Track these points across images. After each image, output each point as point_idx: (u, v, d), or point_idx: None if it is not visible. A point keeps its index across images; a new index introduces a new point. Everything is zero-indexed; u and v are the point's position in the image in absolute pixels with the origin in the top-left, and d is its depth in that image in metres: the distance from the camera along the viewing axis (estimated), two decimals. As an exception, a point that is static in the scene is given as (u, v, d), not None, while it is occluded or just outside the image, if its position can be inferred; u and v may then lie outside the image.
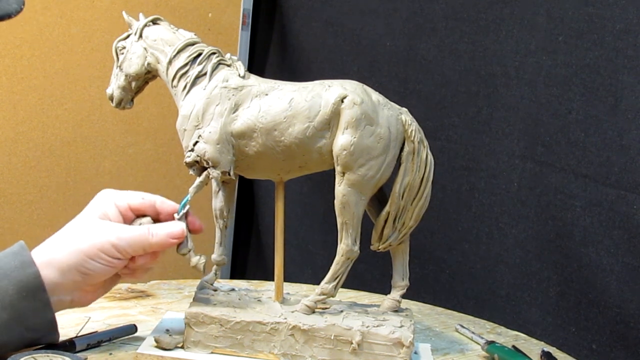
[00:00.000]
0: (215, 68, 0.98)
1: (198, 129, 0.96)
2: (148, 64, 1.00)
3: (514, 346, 1.11)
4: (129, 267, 0.96)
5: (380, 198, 1.01)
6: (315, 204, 1.89)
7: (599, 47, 1.35)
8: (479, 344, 1.12)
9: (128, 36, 1.01)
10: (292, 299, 1.03)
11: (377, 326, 0.97)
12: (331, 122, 0.95)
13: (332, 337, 0.96)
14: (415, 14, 1.67)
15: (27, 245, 0.91)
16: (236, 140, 0.96)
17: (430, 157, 1.00)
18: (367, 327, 0.96)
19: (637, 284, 1.30)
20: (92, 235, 0.92)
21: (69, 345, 0.95)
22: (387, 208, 0.99)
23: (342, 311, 1.01)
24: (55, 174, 1.78)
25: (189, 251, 0.98)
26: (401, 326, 0.98)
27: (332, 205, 0.98)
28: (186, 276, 1.25)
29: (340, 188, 0.96)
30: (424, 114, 1.49)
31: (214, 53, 0.98)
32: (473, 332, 1.16)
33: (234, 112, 0.96)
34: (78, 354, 0.94)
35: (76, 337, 0.98)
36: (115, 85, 1.02)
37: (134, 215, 0.98)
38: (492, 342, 1.10)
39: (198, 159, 0.96)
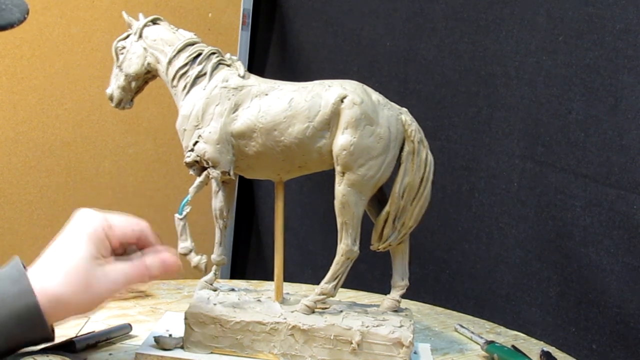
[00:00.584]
0: (215, 68, 0.98)
1: (198, 129, 0.96)
2: (148, 64, 1.00)
3: (513, 346, 1.11)
4: None
5: (380, 198, 1.01)
6: (315, 204, 1.88)
7: (599, 47, 1.35)
8: (478, 343, 1.12)
9: (128, 36, 1.01)
10: (292, 299, 1.03)
11: (377, 326, 0.97)
12: (331, 122, 0.95)
13: (332, 337, 0.96)
14: (415, 14, 1.67)
15: (24, 252, 0.86)
16: (236, 140, 0.96)
17: (430, 157, 1.00)
18: (367, 327, 0.96)
19: (637, 284, 1.30)
20: (90, 292, 0.85)
21: (69, 346, 0.95)
22: (387, 208, 0.99)
23: (341, 311, 1.01)
24: (55, 174, 1.78)
25: (190, 251, 0.98)
26: (401, 326, 0.98)
27: (331, 205, 0.98)
28: (185, 276, 1.25)
29: (340, 188, 0.96)
30: (424, 114, 1.49)
31: (213, 53, 0.98)
32: (472, 332, 1.16)
33: (233, 112, 0.96)
34: (77, 355, 0.94)
35: (75, 337, 0.98)
36: (115, 85, 1.02)
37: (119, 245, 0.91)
38: (492, 342, 1.10)
39: (198, 159, 0.96)
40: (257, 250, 2.13)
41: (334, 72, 1.78)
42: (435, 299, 1.44)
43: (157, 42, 0.99)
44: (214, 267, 1.04)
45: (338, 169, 0.95)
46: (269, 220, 2.03)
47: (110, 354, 0.98)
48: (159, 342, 0.96)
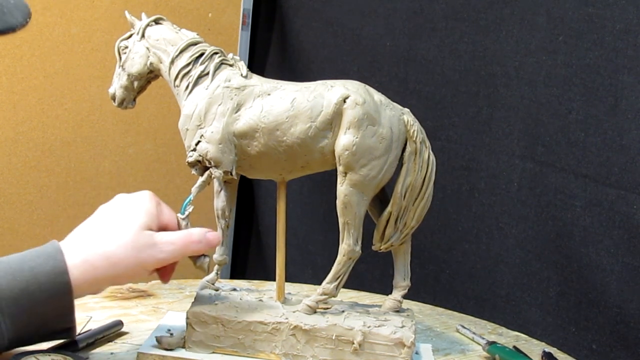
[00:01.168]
0: (217, 68, 0.98)
1: (200, 128, 0.96)
2: (150, 63, 0.99)
3: (514, 347, 1.11)
4: None
5: (382, 198, 1.01)
6: (316, 204, 1.88)
7: (599, 47, 1.36)
8: (480, 344, 1.12)
9: (130, 36, 1.01)
10: (294, 299, 1.04)
11: (379, 326, 0.97)
12: (333, 122, 0.95)
13: (334, 337, 0.96)
14: (415, 14, 1.67)
15: (56, 239, 0.89)
16: (238, 140, 0.96)
17: (432, 157, 1.00)
18: (369, 327, 0.96)
19: (637, 284, 1.31)
20: (137, 250, 0.89)
21: (71, 345, 0.95)
22: (389, 208, 0.99)
23: (343, 311, 1.01)
24: (55, 174, 1.78)
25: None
26: (402, 326, 0.98)
27: (333, 205, 0.98)
28: (187, 276, 1.25)
29: (342, 188, 0.96)
30: (424, 114, 1.49)
31: (216, 53, 0.98)
32: (474, 333, 1.16)
33: (236, 112, 0.96)
34: (79, 354, 0.94)
35: (78, 335, 0.98)
36: (117, 85, 1.01)
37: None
38: (493, 342, 1.10)
39: (200, 158, 0.96)
40: (258, 250, 2.13)
41: (334, 72, 1.78)
42: (436, 299, 1.44)
43: (159, 42, 0.99)
44: (215, 267, 1.04)
45: (340, 169, 0.96)
46: (269, 220, 2.03)
47: (111, 353, 0.98)
48: (161, 342, 0.96)
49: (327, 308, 1.02)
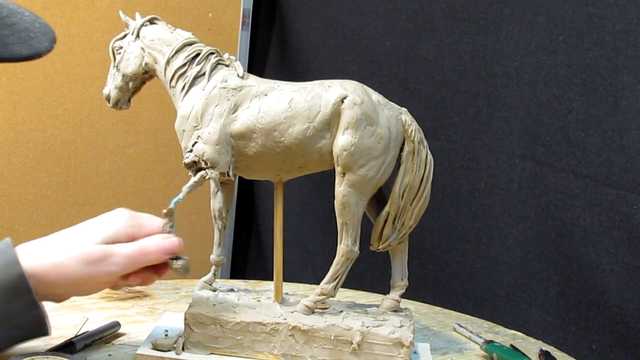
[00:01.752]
0: (213, 68, 0.97)
1: (197, 129, 0.96)
2: (145, 64, 0.99)
3: (512, 345, 1.11)
4: (115, 283, 0.95)
5: (379, 198, 1.01)
6: (315, 204, 1.88)
7: (599, 47, 1.35)
8: (477, 343, 1.12)
9: (125, 36, 1.01)
10: (292, 299, 1.03)
11: (377, 326, 0.97)
12: (331, 123, 0.95)
13: (332, 338, 0.96)
14: (415, 14, 1.67)
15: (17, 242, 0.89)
16: (235, 141, 0.96)
17: (430, 157, 1.00)
18: (367, 327, 0.96)
19: (637, 284, 1.30)
20: (85, 264, 0.89)
21: (69, 347, 0.95)
22: (386, 208, 0.99)
23: (341, 311, 1.01)
24: (55, 174, 1.78)
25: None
26: (401, 326, 0.98)
27: (331, 206, 0.97)
28: (183, 276, 1.25)
29: (341, 188, 0.96)
30: (424, 114, 1.49)
31: (212, 53, 0.98)
32: (471, 332, 1.16)
33: (233, 113, 0.96)
34: (77, 356, 0.94)
35: (75, 337, 0.98)
36: (112, 86, 1.01)
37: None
38: (491, 341, 1.10)
39: (197, 159, 0.96)
40: (257, 250, 2.13)
41: (334, 72, 1.78)
42: (435, 299, 1.44)
43: (154, 42, 0.99)
44: (213, 268, 1.04)
45: (338, 169, 0.95)
46: (269, 220, 2.03)
47: (109, 355, 0.98)
48: (157, 345, 0.96)
49: (325, 308, 1.02)
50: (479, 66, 1.56)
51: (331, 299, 1.01)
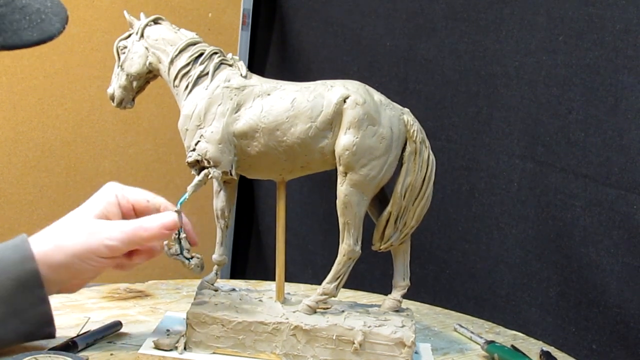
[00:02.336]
0: (217, 68, 0.97)
1: (200, 128, 0.96)
2: (149, 63, 0.99)
3: (512, 345, 1.11)
4: (120, 263, 0.98)
5: (381, 198, 1.01)
6: (316, 204, 1.88)
7: (599, 47, 1.35)
8: (478, 343, 1.12)
9: (129, 35, 1.01)
10: (293, 299, 1.03)
11: (379, 326, 0.97)
12: (333, 122, 0.95)
13: (334, 337, 0.96)
14: (415, 14, 1.67)
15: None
16: (238, 140, 0.96)
17: (432, 157, 1.00)
18: (369, 327, 0.96)
19: (637, 284, 1.31)
20: (85, 236, 0.93)
21: (71, 346, 0.95)
22: (388, 208, 0.99)
23: (343, 311, 1.01)
24: (55, 174, 1.78)
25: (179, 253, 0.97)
26: (403, 326, 0.98)
27: (333, 205, 0.97)
28: (184, 276, 1.25)
29: (343, 188, 0.96)
30: (424, 114, 1.48)
31: (215, 53, 0.98)
32: (472, 332, 1.16)
33: (236, 112, 0.96)
34: (79, 354, 0.94)
35: (77, 336, 0.98)
36: (116, 85, 1.01)
37: (135, 216, 0.99)
38: (492, 341, 1.10)
39: (199, 158, 0.96)
40: (258, 250, 2.13)
41: (334, 72, 1.78)
42: (435, 299, 1.44)
43: (158, 42, 0.99)
44: (215, 267, 1.03)
45: (340, 169, 0.95)
46: (269, 220, 2.03)
47: (111, 354, 0.98)
48: (159, 345, 0.96)
49: (327, 308, 1.02)
50: (479, 66, 1.56)
51: (332, 298, 1.01)
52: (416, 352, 1.04)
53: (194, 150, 0.96)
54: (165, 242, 0.96)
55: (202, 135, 0.95)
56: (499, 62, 1.53)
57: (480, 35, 1.56)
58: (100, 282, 1.17)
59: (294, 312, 0.99)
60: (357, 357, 0.96)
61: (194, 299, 1.00)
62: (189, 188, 0.96)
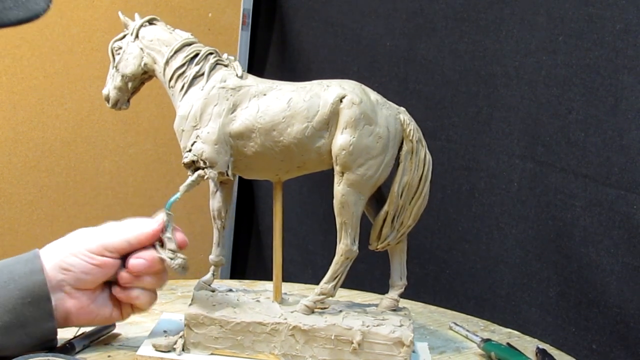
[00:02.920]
0: (212, 68, 0.97)
1: (196, 129, 0.96)
2: (145, 64, 0.99)
3: (508, 343, 1.11)
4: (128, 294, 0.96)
5: (378, 197, 1.01)
6: (315, 204, 1.88)
7: (599, 47, 1.35)
8: (474, 342, 1.12)
9: (124, 36, 1.01)
10: (291, 299, 1.03)
11: (377, 326, 0.97)
12: (330, 122, 0.95)
13: (333, 337, 0.96)
14: (415, 14, 1.67)
15: (24, 252, 0.93)
16: (234, 141, 0.96)
17: (428, 156, 1.00)
18: (368, 326, 0.96)
19: (637, 284, 1.30)
20: (79, 236, 0.95)
21: (69, 348, 0.95)
22: (385, 207, 0.99)
23: (341, 311, 1.01)
24: (55, 174, 1.78)
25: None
26: (401, 325, 0.98)
27: (331, 205, 0.97)
28: (179, 277, 1.25)
29: (339, 188, 0.96)
30: (424, 114, 1.50)
31: (211, 53, 0.98)
32: (467, 330, 1.16)
33: (232, 113, 0.96)
34: (76, 357, 0.94)
35: (73, 338, 0.98)
36: (111, 86, 1.01)
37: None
38: (488, 339, 1.10)
39: (195, 159, 0.96)
40: (257, 250, 2.13)
41: (334, 72, 1.77)
42: (435, 299, 1.44)
43: (153, 43, 0.99)
44: (212, 268, 1.03)
45: (337, 168, 0.95)
46: (269, 220, 2.03)
47: (109, 356, 0.98)
48: (157, 346, 0.96)
49: (325, 308, 1.02)
50: (479, 66, 1.56)
51: (330, 298, 1.01)
52: (413, 352, 1.04)
53: (190, 151, 0.96)
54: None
55: (198, 136, 0.95)
56: (499, 62, 1.53)
57: (480, 35, 1.55)
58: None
59: (292, 312, 0.99)
60: (356, 356, 0.96)
61: (191, 300, 1.00)
62: (181, 188, 0.95)
